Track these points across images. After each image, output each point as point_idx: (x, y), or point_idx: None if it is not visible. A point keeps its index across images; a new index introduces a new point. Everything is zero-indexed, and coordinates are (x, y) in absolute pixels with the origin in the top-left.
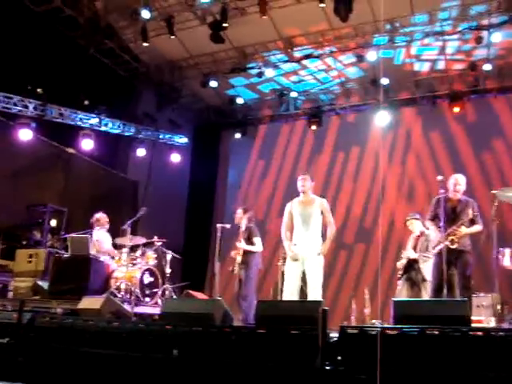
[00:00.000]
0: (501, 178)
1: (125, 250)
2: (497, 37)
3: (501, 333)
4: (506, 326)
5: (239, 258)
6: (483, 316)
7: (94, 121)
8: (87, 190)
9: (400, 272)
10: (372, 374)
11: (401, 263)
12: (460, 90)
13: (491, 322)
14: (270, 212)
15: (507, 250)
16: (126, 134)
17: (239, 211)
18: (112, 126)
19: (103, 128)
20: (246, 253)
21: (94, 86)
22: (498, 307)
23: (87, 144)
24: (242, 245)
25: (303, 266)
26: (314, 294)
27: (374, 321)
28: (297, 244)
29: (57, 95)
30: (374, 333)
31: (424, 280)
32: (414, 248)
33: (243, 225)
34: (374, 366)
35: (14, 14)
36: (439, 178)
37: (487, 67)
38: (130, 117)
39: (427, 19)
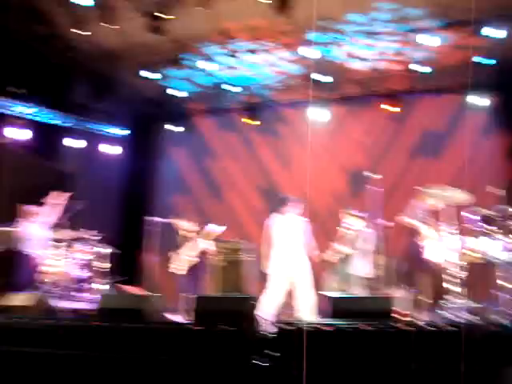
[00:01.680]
0: (428, 177)
1: (61, 243)
2: (433, 40)
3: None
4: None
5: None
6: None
7: (27, 110)
8: (17, 180)
9: (333, 265)
10: (309, 370)
11: (333, 256)
12: (396, 89)
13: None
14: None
15: (434, 245)
16: (61, 124)
17: None
18: (46, 116)
19: (36, 117)
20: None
21: (28, 74)
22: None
23: (18, 133)
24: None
25: None
26: None
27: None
28: None
29: None
30: (305, 328)
31: (355, 275)
32: (347, 242)
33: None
34: (308, 361)
35: None
36: (366, 173)
37: (423, 69)
38: (65, 107)
39: (365, 19)
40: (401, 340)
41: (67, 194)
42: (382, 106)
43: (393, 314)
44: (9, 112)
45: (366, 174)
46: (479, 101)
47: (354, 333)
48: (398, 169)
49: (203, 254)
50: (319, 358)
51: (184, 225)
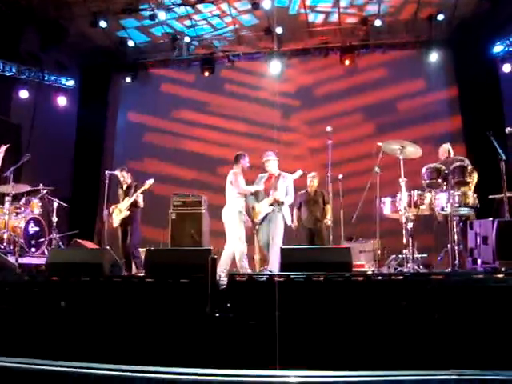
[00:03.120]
0: (385, 131)
1: (7, 198)
2: None
3: (379, 277)
4: (385, 269)
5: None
6: (364, 261)
7: None
8: None
9: (262, 214)
10: (261, 320)
11: (263, 205)
12: (351, 43)
13: (371, 267)
14: (159, 158)
15: (388, 199)
16: (7, 74)
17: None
18: None
19: None
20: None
21: None
22: (379, 252)
23: None
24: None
25: None
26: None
27: (262, 268)
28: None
29: None
30: (262, 279)
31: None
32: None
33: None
34: (262, 312)
35: None
36: (328, 128)
37: (378, 23)
38: (11, 56)
39: None
40: (349, 289)
41: (4, 146)
42: (336, 59)
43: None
44: None
45: (328, 129)
46: (430, 56)
47: (306, 283)
48: (356, 124)
49: (135, 206)
50: (274, 308)
51: (124, 176)
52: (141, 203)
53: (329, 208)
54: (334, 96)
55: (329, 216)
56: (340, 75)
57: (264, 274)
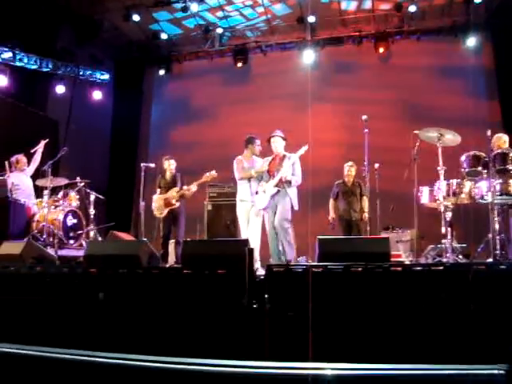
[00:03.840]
0: (422, 119)
1: (46, 191)
2: None
3: (418, 267)
4: (423, 260)
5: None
6: (401, 251)
7: (7, 55)
8: (3, 129)
9: (266, 198)
10: (298, 311)
11: (268, 187)
12: (385, 30)
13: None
14: (194, 150)
15: (425, 189)
16: (44, 69)
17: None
18: (28, 61)
19: (18, 63)
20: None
21: (7, 18)
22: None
23: (1, 80)
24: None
25: None
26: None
27: (300, 258)
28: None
29: None
30: (299, 270)
31: (293, 207)
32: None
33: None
34: (300, 302)
35: None
36: (364, 117)
37: (412, 8)
38: (48, 52)
39: None
40: (388, 280)
41: (43, 141)
42: (369, 46)
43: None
44: None
45: (364, 117)
46: (467, 41)
47: (344, 273)
48: (391, 112)
49: (182, 197)
50: (312, 299)
51: (171, 164)
52: (189, 195)
53: (365, 200)
54: (367, 84)
55: (366, 209)
56: (374, 63)
57: (301, 265)
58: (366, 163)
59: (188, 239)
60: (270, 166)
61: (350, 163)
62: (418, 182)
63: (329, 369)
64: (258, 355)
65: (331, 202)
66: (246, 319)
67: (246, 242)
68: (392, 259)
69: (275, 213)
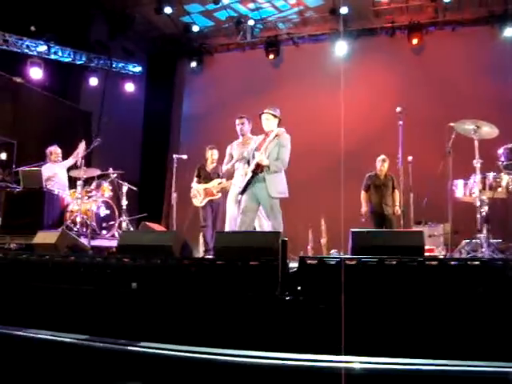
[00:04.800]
0: (456, 111)
1: (79, 182)
2: None
3: (454, 262)
4: (456, 255)
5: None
6: (434, 245)
7: (43, 48)
8: (38, 121)
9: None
10: (331, 304)
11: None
12: (419, 21)
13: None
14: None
15: (460, 182)
16: (78, 62)
17: None
18: (62, 54)
19: (52, 56)
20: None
21: (42, 11)
22: (449, 237)
23: (36, 73)
24: None
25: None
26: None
27: (332, 251)
28: (236, 184)
29: (0, 21)
30: (333, 263)
31: (271, 196)
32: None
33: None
34: (333, 295)
35: None
36: (398, 109)
37: None
38: (82, 45)
39: None
40: (423, 274)
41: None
42: (403, 38)
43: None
44: (26, 51)
45: (398, 109)
46: (505, 31)
47: (377, 267)
48: (424, 104)
49: (223, 189)
50: (346, 292)
51: (214, 154)
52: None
53: (397, 194)
54: (401, 76)
55: (397, 202)
56: (407, 55)
57: (335, 258)
58: (399, 156)
59: (221, 230)
60: (258, 145)
61: (383, 157)
62: (452, 175)
63: (359, 362)
64: (289, 347)
65: (363, 194)
66: (278, 311)
67: (278, 234)
68: (425, 254)
69: (254, 200)
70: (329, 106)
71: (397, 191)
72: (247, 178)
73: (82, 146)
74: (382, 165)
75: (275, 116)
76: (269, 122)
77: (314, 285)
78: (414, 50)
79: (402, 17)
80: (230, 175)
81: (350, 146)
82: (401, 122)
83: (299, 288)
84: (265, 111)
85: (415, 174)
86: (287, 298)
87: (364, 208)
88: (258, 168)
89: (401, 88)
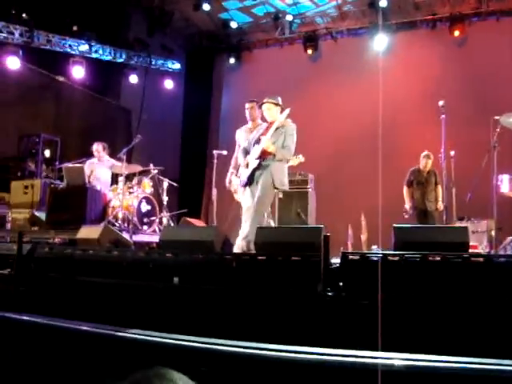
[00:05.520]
0: (501, 104)
1: (121, 178)
2: None
3: (501, 259)
4: (501, 252)
5: None
6: (477, 242)
7: (84, 47)
8: (80, 118)
9: (252, 167)
10: (374, 300)
11: (250, 159)
12: (461, 12)
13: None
14: None
15: (506, 177)
16: (118, 60)
17: None
18: (103, 53)
19: (93, 55)
20: None
21: (82, 10)
22: (493, 233)
23: (78, 71)
24: None
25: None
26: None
27: (373, 247)
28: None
29: (44, 21)
30: (375, 259)
31: (274, 186)
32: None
33: None
34: (375, 291)
35: None
36: (440, 103)
37: None
38: (121, 43)
39: None
40: (468, 271)
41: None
42: (445, 30)
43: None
44: (68, 50)
45: (440, 103)
46: None
47: (421, 263)
48: (467, 97)
49: None
50: (389, 288)
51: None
52: None
53: (440, 189)
54: (443, 69)
55: (440, 198)
56: (449, 47)
57: (377, 253)
58: (442, 150)
59: (262, 226)
60: (261, 134)
61: (427, 153)
62: (497, 170)
63: (398, 359)
64: (331, 343)
65: (405, 189)
66: (320, 307)
67: (320, 229)
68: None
69: (254, 190)
70: (368, 100)
71: (439, 186)
72: (251, 167)
73: (137, 167)
74: (426, 161)
75: (277, 104)
76: (271, 111)
77: (356, 281)
78: (456, 42)
79: (443, 8)
80: (236, 165)
81: (390, 141)
82: (443, 116)
83: (341, 284)
84: (265, 100)
85: (458, 169)
86: (329, 294)
87: (407, 204)
88: (264, 155)
89: (443, 81)
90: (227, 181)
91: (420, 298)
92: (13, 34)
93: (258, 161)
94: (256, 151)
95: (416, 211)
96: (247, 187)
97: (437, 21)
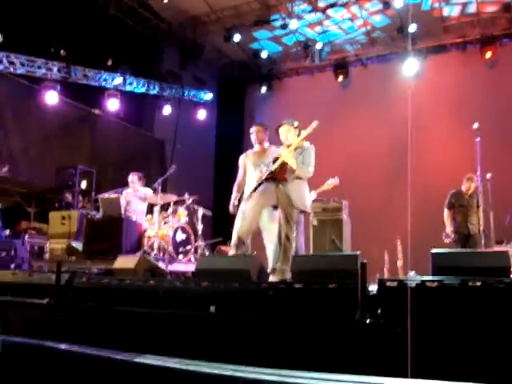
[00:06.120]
0: None
1: (156, 208)
2: None
3: None
4: None
5: None
6: None
7: (119, 80)
8: (115, 150)
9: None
10: (413, 327)
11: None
12: (492, 33)
13: None
14: None
15: None
16: (151, 92)
17: None
18: (136, 85)
19: (128, 87)
20: None
21: (117, 45)
22: None
23: (113, 104)
24: None
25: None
26: (270, 247)
27: (411, 272)
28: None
29: (80, 56)
30: (413, 285)
31: (291, 205)
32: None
33: None
34: (414, 318)
35: None
36: (475, 126)
37: None
38: (154, 75)
39: None
40: (511, 297)
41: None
42: (475, 52)
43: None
44: (103, 84)
45: (475, 126)
46: None
47: (461, 289)
48: (501, 119)
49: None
50: (424, 315)
51: None
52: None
53: (481, 212)
54: (475, 91)
55: (481, 220)
56: (480, 69)
57: (415, 279)
58: (478, 173)
59: (297, 254)
60: (278, 155)
61: (470, 176)
62: None
63: None
64: (369, 370)
65: (446, 212)
66: (358, 334)
67: (356, 256)
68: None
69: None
70: (400, 125)
71: (481, 209)
72: (265, 175)
73: (172, 197)
74: (469, 184)
75: (295, 127)
76: (290, 133)
77: (394, 308)
78: (487, 63)
79: (473, 30)
80: (239, 189)
81: (424, 165)
82: (478, 139)
83: (379, 311)
84: (284, 122)
85: (495, 192)
86: (367, 322)
87: (449, 227)
88: (282, 173)
89: (475, 104)
90: (231, 207)
91: (460, 324)
92: (51, 69)
93: (271, 174)
94: (273, 167)
95: (458, 235)
96: (252, 193)
97: (467, 43)
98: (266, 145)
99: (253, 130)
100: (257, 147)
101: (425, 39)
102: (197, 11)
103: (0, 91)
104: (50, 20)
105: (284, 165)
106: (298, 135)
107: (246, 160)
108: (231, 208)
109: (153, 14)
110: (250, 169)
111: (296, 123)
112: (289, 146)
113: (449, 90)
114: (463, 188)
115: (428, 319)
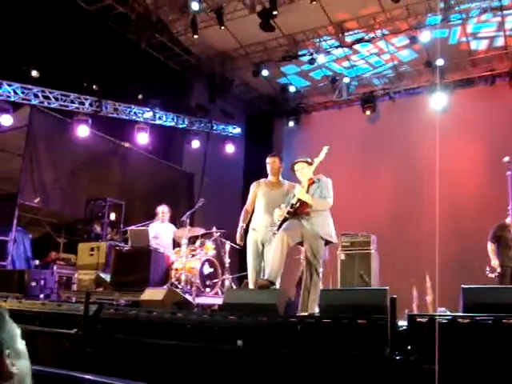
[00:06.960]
0: None
1: (184, 241)
2: None
3: None
4: None
5: None
6: None
7: (148, 114)
8: (144, 183)
9: (279, 219)
10: (443, 364)
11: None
12: None
13: None
14: None
15: None
16: (180, 126)
17: None
18: (166, 119)
19: (157, 121)
20: None
21: (147, 80)
22: None
23: (142, 138)
24: None
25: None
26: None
27: (441, 309)
28: (255, 228)
29: (111, 91)
30: (444, 321)
31: (317, 237)
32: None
33: None
34: (445, 355)
35: (67, 14)
36: (506, 159)
37: None
38: (183, 109)
39: None
40: None
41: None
42: (504, 85)
43: None
44: (133, 118)
45: (505, 159)
46: None
47: (494, 326)
48: None
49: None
50: (455, 352)
51: None
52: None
53: None
54: (504, 124)
55: None
56: (510, 102)
57: (445, 316)
58: (510, 207)
59: (326, 288)
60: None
61: None
62: None
63: None
64: None
65: (490, 246)
66: (388, 371)
67: (385, 291)
68: None
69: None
70: (428, 159)
71: None
72: (286, 212)
73: (200, 230)
74: None
75: (310, 163)
76: (304, 170)
77: (424, 344)
78: None
79: (501, 63)
80: (246, 218)
81: (453, 200)
82: (509, 173)
83: (409, 347)
84: (298, 159)
85: None
86: (397, 358)
87: (494, 261)
88: (302, 209)
89: (504, 137)
90: (238, 238)
91: (493, 362)
92: (83, 103)
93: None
94: (292, 202)
95: (505, 270)
96: (280, 232)
97: (496, 76)
98: (280, 178)
99: (269, 160)
100: (271, 177)
101: (452, 72)
102: (225, 46)
103: (34, 124)
104: (83, 56)
105: (303, 201)
106: (314, 171)
107: (257, 189)
108: (238, 239)
109: (183, 50)
110: (260, 198)
111: (309, 160)
112: (310, 181)
113: (477, 122)
114: (507, 221)
115: (460, 356)
